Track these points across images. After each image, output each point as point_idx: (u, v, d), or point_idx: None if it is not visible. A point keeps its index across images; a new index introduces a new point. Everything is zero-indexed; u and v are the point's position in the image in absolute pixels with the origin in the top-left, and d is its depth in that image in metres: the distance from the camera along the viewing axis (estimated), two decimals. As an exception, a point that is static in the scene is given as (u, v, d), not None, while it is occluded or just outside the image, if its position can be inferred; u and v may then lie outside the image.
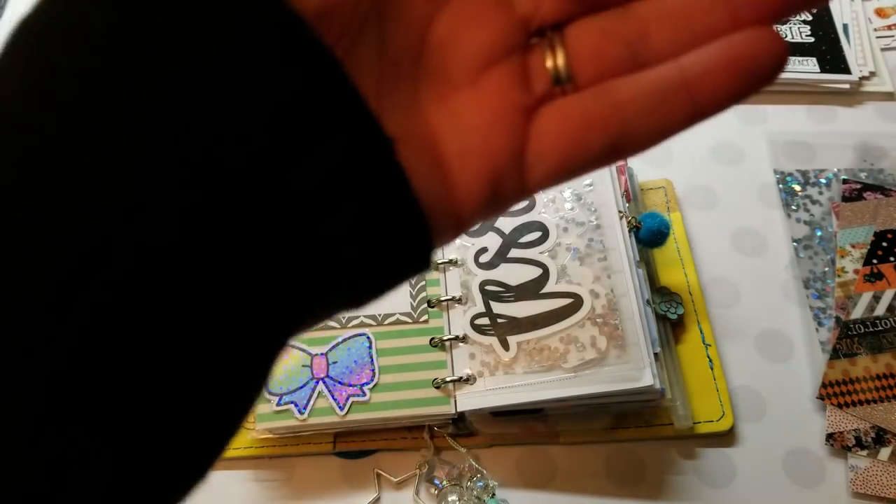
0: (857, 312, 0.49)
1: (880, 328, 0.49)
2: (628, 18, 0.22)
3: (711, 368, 0.49)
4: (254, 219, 0.17)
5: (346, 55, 0.20)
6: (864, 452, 0.45)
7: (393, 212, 0.20)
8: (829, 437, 0.46)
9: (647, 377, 0.43)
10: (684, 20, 0.21)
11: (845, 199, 0.55)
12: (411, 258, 0.21)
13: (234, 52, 0.17)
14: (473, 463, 0.46)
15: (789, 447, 0.46)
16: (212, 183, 0.17)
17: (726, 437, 0.47)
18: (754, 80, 0.21)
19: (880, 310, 0.49)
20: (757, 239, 0.55)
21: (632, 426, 0.47)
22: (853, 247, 0.52)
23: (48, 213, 0.16)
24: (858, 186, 0.55)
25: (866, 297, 0.50)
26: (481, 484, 0.45)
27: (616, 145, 0.22)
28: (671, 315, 0.49)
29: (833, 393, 0.47)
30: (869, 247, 0.52)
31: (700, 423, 0.47)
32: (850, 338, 0.49)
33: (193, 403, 0.18)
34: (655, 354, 0.44)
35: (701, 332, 0.50)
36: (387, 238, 0.20)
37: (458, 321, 0.48)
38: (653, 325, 0.46)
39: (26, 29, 0.17)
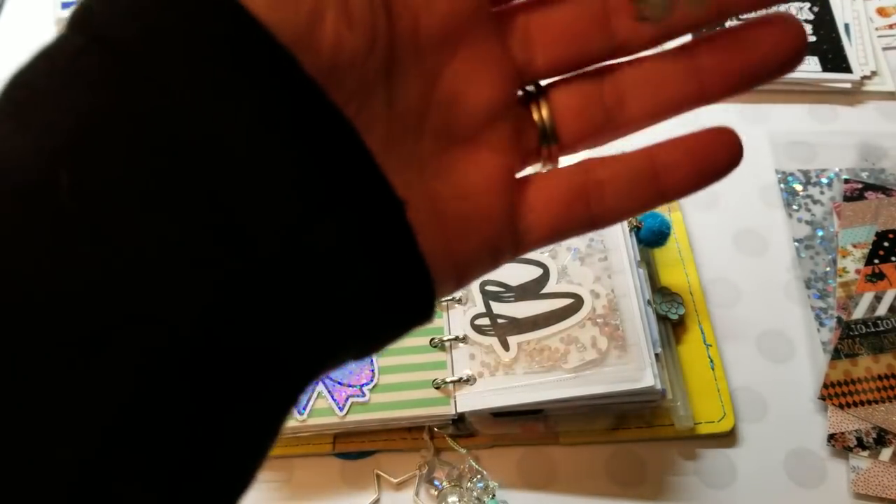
0: (859, 313, 0.49)
1: (882, 328, 0.49)
2: (606, 83, 0.24)
3: (712, 369, 0.48)
4: (271, 284, 0.17)
5: (358, 112, 0.20)
6: (866, 453, 0.45)
7: (403, 273, 0.20)
8: (831, 437, 0.46)
9: (647, 378, 0.43)
10: (658, 89, 0.23)
11: (847, 198, 0.54)
12: (417, 314, 0.22)
13: (248, 118, 0.17)
14: (474, 464, 0.46)
15: (790, 448, 0.46)
16: (230, 251, 0.17)
17: (727, 438, 0.47)
18: (712, 175, 0.23)
19: (882, 310, 0.49)
20: (758, 239, 0.54)
21: (632, 427, 0.46)
22: (854, 247, 0.52)
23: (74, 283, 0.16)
24: (860, 186, 0.55)
25: (868, 298, 0.50)
26: (481, 485, 0.45)
27: (593, 219, 0.24)
28: (672, 315, 0.49)
29: (834, 393, 0.47)
30: (870, 247, 0.52)
31: (701, 423, 0.46)
32: (852, 338, 0.48)
33: (209, 456, 0.17)
34: (656, 355, 0.44)
35: (702, 332, 0.50)
36: (397, 298, 0.20)
37: (458, 321, 0.47)
38: (654, 325, 0.46)
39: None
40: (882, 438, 0.46)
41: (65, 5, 0.65)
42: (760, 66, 0.22)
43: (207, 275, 0.17)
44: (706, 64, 0.22)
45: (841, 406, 0.47)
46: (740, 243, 0.54)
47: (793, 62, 0.22)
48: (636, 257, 0.48)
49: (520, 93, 0.24)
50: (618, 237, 0.48)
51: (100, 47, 0.17)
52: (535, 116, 0.24)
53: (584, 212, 0.24)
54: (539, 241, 0.24)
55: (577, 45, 0.23)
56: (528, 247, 0.24)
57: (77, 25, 0.18)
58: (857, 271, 0.51)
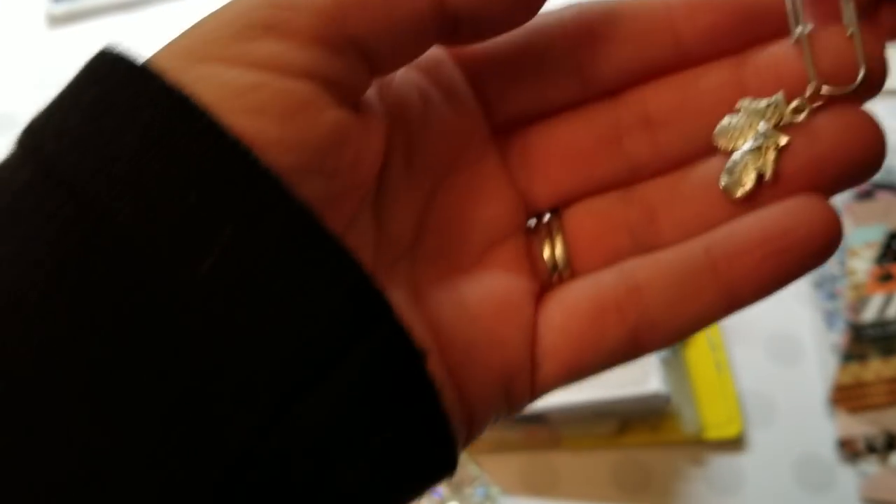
0: (869, 314, 0.49)
1: (892, 331, 0.48)
2: (633, 202, 0.20)
3: (719, 372, 0.48)
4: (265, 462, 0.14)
5: (342, 237, 0.17)
6: (875, 458, 0.45)
7: (421, 438, 0.16)
8: (840, 442, 0.45)
9: (653, 382, 0.42)
10: (696, 211, 0.19)
11: (857, 197, 0.54)
12: (435, 475, 0.18)
13: (236, 256, 0.14)
14: (474, 469, 0.45)
15: (799, 453, 0.46)
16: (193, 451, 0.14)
17: (735, 443, 0.46)
18: (799, 261, 0.18)
19: (892, 312, 0.49)
20: (765, 239, 0.54)
21: (637, 432, 0.46)
22: (865, 247, 0.52)
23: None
24: (870, 185, 0.54)
25: (878, 299, 0.49)
26: (482, 491, 0.45)
27: (637, 339, 0.19)
28: (678, 317, 0.48)
29: (844, 397, 0.46)
30: (881, 247, 0.51)
31: (708, 428, 0.46)
32: (862, 340, 0.48)
33: None
34: (662, 358, 0.44)
35: (709, 334, 0.49)
36: (412, 464, 0.17)
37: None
38: (659, 327, 0.45)
39: None
40: (891, 443, 0.45)
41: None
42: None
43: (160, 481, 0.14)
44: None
45: (851, 410, 0.46)
46: (747, 243, 0.53)
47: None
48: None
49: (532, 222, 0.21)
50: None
51: (45, 180, 0.14)
52: (545, 253, 0.20)
53: (619, 327, 0.19)
54: (561, 371, 0.19)
55: (582, 169, 0.20)
56: (547, 381, 0.19)
57: (25, 148, 0.15)
58: (868, 272, 0.50)
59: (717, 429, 0.46)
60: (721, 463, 0.45)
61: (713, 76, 0.20)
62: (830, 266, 0.51)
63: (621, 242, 0.20)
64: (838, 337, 0.49)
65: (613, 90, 0.20)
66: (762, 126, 0.19)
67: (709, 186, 0.19)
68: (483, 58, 0.20)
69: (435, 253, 0.20)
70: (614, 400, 0.43)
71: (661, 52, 0.20)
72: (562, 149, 0.20)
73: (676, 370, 0.46)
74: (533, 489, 0.45)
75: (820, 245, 0.17)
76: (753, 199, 0.19)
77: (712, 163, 0.19)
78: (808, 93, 0.19)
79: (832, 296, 0.50)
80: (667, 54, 0.20)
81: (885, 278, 0.50)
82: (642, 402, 0.44)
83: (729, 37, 0.19)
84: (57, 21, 0.64)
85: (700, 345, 0.49)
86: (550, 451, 0.46)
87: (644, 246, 0.19)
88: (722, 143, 0.19)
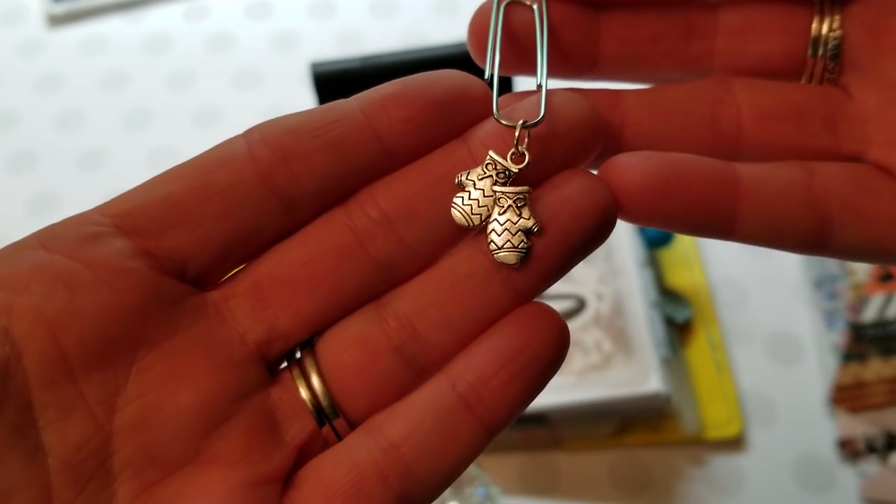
0: (869, 314, 0.48)
1: (892, 331, 0.48)
2: (388, 317, 0.18)
3: (719, 372, 0.48)
4: None
5: None
6: (875, 458, 0.45)
7: None
8: (840, 442, 0.45)
9: (653, 382, 0.42)
10: (454, 306, 0.18)
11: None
12: None
13: None
14: (474, 469, 0.45)
15: (799, 453, 0.45)
16: None
17: (735, 443, 0.46)
18: (540, 373, 0.18)
19: (892, 312, 0.48)
20: (766, 239, 0.53)
21: (638, 432, 0.46)
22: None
23: None
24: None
25: (878, 299, 0.49)
26: (482, 491, 0.44)
27: (405, 496, 0.18)
28: (678, 317, 0.48)
29: (844, 397, 0.46)
30: (881, 247, 0.51)
31: (708, 428, 0.46)
32: (862, 340, 0.48)
33: None
34: (662, 358, 0.43)
35: (709, 334, 0.49)
36: None
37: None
38: (659, 327, 0.45)
39: None
40: (891, 443, 0.45)
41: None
42: None
43: None
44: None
45: (851, 410, 0.46)
46: (747, 243, 0.53)
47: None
48: (641, 258, 0.47)
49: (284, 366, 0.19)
50: (622, 237, 0.47)
51: None
52: (303, 394, 0.18)
53: (383, 492, 0.17)
54: None
55: (327, 285, 0.18)
56: None
57: None
58: (867, 272, 0.50)
59: (717, 429, 0.46)
60: (721, 463, 0.45)
61: (445, 160, 0.19)
62: (830, 266, 0.51)
63: (389, 366, 0.18)
64: (838, 337, 0.48)
65: (334, 202, 0.19)
66: (500, 188, 0.18)
67: (472, 272, 0.18)
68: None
69: (135, 459, 0.17)
70: (614, 400, 0.43)
71: (367, 155, 0.19)
72: (299, 267, 0.19)
73: (676, 370, 0.46)
74: (533, 489, 0.45)
75: (555, 353, 0.18)
76: (532, 258, 0.18)
77: (470, 245, 0.19)
78: (516, 134, 0.18)
79: (832, 296, 0.50)
80: (374, 156, 0.19)
81: (885, 278, 0.50)
82: (642, 402, 0.43)
83: (433, 127, 0.19)
84: (57, 21, 0.64)
85: (700, 345, 0.48)
86: (550, 452, 0.46)
87: (416, 362, 0.18)
88: (464, 220, 0.18)
